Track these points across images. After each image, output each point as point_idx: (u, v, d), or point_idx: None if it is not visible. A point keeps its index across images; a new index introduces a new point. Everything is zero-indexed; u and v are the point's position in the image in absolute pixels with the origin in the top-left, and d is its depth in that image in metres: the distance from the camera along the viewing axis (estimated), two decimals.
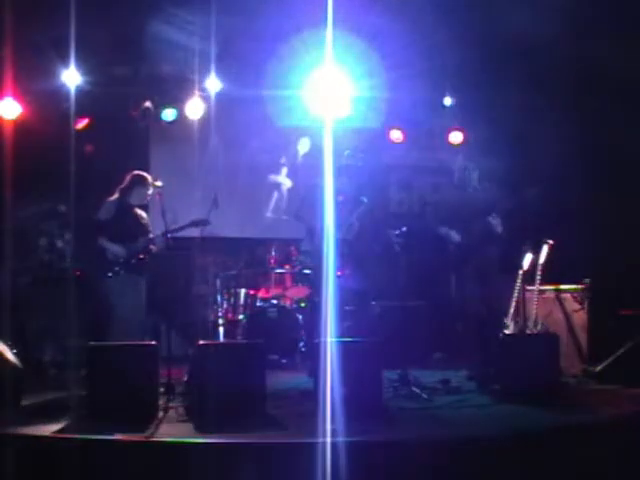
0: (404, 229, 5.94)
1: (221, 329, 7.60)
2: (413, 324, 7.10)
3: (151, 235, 6.16)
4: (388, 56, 7.23)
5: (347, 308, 7.34)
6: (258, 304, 7.56)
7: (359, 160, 6.23)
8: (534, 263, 6.11)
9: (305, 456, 3.94)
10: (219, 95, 7.48)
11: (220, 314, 7.64)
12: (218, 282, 7.71)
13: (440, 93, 7.95)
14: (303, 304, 7.62)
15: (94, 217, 6.10)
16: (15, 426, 4.23)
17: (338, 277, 6.52)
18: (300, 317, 7.43)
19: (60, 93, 7.07)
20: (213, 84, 7.39)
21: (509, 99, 7.69)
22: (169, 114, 7.85)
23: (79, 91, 7.00)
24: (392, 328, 6.77)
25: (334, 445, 4.04)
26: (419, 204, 9.08)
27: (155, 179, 6.18)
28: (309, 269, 6.89)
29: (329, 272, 6.34)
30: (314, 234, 6.34)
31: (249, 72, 7.42)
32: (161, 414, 4.68)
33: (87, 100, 7.03)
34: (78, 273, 6.79)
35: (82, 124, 7.29)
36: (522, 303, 6.06)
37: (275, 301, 7.54)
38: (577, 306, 6.45)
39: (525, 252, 6.10)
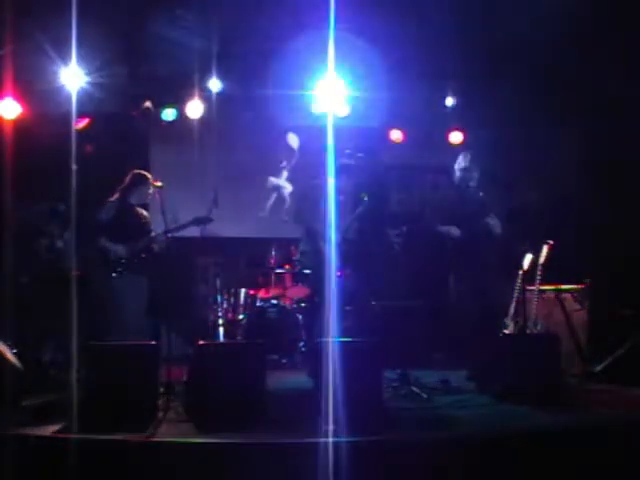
0: (404, 229, 5.94)
1: (221, 329, 7.59)
2: (413, 324, 7.11)
3: (152, 234, 6.16)
4: (388, 56, 7.23)
5: (347, 308, 7.35)
6: (258, 304, 7.56)
7: (359, 160, 6.22)
8: (534, 263, 6.11)
9: (305, 456, 3.94)
10: (219, 95, 7.48)
11: (220, 314, 7.64)
12: (218, 282, 7.70)
13: (440, 93, 7.95)
14: (303, 304, 7.62)
15: (95, 217, 6.10)
16: (15, 426, 4.23)
17: (338, 277, 6.53)
18: (300, 317, 7.44)
19: (60, 93, 7.07)
20: (213, 84, 7.39)
21: (509, 99, 7.69)
22: (169, 114, 7.85)
23: (79, 91, 7.00)
24: (392, 328, 6.78)
25: (334, 445, 4.05)
26: (419, 204, 9.09)
27: (155, 179, 6.18)
28: (309, 269, 6.88)
29: (329, 272, 6.35)
30: (313, 235, 6.34)
31: (250, 72, 7.42)
32: (161, 414, 4.67)
33: (87, 100, 7.03)
34: (78, 273, 6.79)
35: (82, 124, 7.29)
36: (522, 303, 6.06)
37: (275, 301, 7.54)
38: (577, 306, 6.44)
39: (525, 252, 6.10)
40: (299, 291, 7.64)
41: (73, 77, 6.93)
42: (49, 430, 4.23)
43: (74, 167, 6.08)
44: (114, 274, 5.97)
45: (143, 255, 6.07)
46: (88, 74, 7.00)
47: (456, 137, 8.35)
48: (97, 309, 6.05)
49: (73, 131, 6.88)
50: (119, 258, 5.99)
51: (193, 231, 6.33)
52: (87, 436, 4.08)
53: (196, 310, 7.56)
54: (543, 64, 7.16)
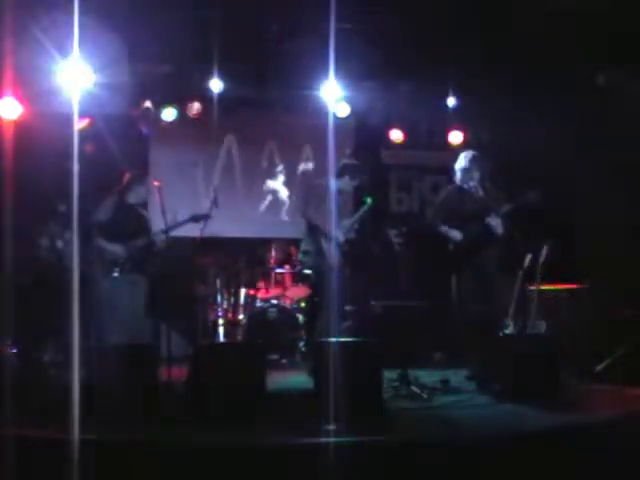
0: (404, 229, 5.94)
1: (221, 329, 7.60)
2: (413, 324, 7.11)
3: (151, 234, 6.17)
4: (388, 56, 7.24)
5: (347, 308, 7.35)
6: (258, 304, 7.56)
7: (360, 160, 6.22)
8: (534, 263, 6.11)
9: (305, 456, 3.94)
10: (219, 95, 7.47)
11: (220, 314, 7.64)
12: (218, 282, 7.71)
13: (441, 93, 7.94)
14: (303, 304, 7.62)
15: (93, 217, 6.10)
16: (15, 426, 4.22)
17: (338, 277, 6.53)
18: (300, 317, 7.44)
19: (61, 93, 7.06)
20: (213, 84, 7.39)
21: (510, 99, 7.69)
22: (169, 114, 7.85)
23: (80, 91, 7.00)
24: (392, 328, 6.78)
25: (334, 445, 4.05)
26: (419, 204, 9.10)
27: (154, 179, 6.19)
28: (309, 269, 6.89)
29: (330, 272, 6.35)
30: (315, 234, 6.34)
31: (250, 72, 7.42)
32: (161, 414, 4.67)
33: (87, 100, 7.02)
34: (75, 273, 6.78)
35: (82, 124, 7.28)
36: (522, 303, 6.06)
37: (275, 301, 7.54)
38: (577, 306, 6.45)
39: (525, 252, 6.10)
40: (299, 291, 7.65)
41: (74, 77, 6.92)
42: (49, 430, 4.23)
43: (76, 167, 6.08)
44: (114, 274, 5.97)
45: (141, 255, 6.07)
46: (89, 74, 7.00)
47: (456, 137, 8.35)
48: (95, 309, 6.04)
49: (75, 131, 6.89)
50: (116, 258, 5.99)
51: (193, 231, 6.33)
52: (87, 436, 4.07)
53: (196, 310, 7.56)
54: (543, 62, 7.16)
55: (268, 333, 7.16)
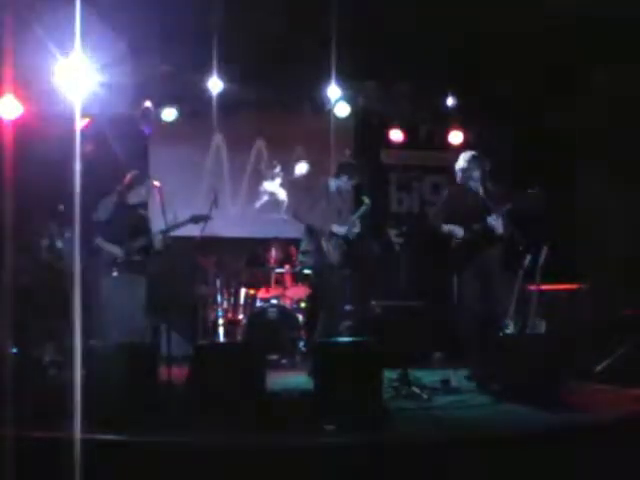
0: (404, 229, 5.94)
1: (221, 329, 7.60)
2: (413, 324, 7.11)
3: (151, 234, 6.16)
4: (388, 56, 7.24)
5: (347, 308, 7.35)
6: (258, 304, 7.56)
7: (359, 159, 6.23)
8: (534, 263, 6.11)
9: (305, 456, 3.94)
10: (219, 95, 7.47)
11: (220, 314, 7.64)
12: (218, 282, 7.71)
13: (440, 93, 7.95)
14: (303, 304, 7.62)
15: (92, 217, 6.10)
16: (15, 426, 4.22)
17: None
18: (300, 317, 7.44)
19: (61, 93, 7.07)
20: (214, 84, 7.39)
21: (510, 99, 7.70)
22: (169, 114, 7.85)
23: (80, 91, 7.00)
24: (392, 328, 6.78)
25: (334, 445, 4.05)
26: (419, 204, 9.10)
27: (154, 179, 6.19)
28: (309, 269, 6.89)
29: (329, 272, 6.35)
30: (314, 234, 6.34)
31: (250, 72, 7.42)
32: (161, 414, 4.67)
33: (87, 100, 7.03)
34: (77, 273, 6.78)
35: (82, 124, 7.28)
36: (522, 303, 6.06)
37: (275, 301, 7.54)
38: (577, 306, 6.44)
39: (525, 252, 6.09)
40: (299, 291, 7.65)
41: (74, 77, 6.93)
42: (50, 430, 4.23)
43: (77, 167, 6.08)
44: (113, 274, 5.97)
45: (141, 255, 6.07)
46: (89, 74, 7.00)
47: (456, 137, 8.35)
48: (97, 309, 6.05)
49: (77, 131, 6.89)
50: (114, 258, 5.99)
51: (193, 231, 6.34)
52: (87, 436, 4.07)
53: (196, 310, 7.56)
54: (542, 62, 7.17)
55: (268, 333, 7.16)
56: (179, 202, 6.49)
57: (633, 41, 6.59)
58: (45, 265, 6.88)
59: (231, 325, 7.57)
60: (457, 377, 5.96)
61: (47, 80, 6.92)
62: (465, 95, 7.84)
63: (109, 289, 6.00)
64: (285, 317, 7.35)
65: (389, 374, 5.40)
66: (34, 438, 4.10)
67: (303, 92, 7.83)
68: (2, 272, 6.12)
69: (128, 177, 6.27)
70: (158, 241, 6.07)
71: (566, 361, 5.53)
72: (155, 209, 6.36)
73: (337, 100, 7.87)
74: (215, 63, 7.07)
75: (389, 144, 8.55)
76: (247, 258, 7.94)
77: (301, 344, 7.32)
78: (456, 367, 6.34)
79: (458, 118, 8.18)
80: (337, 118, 8.07)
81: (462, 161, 6.32)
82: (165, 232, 5.90)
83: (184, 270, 7.39)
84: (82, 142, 6.74)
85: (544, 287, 6.27)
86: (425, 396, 5.25)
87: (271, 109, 8.10)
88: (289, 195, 8.54)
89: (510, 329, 5.96)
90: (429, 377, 5.84)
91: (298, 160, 8.57)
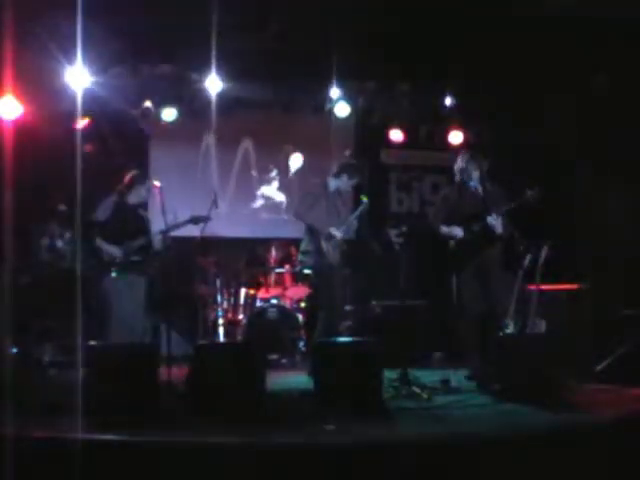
0: (404, 229, 5.94)
1: (221, 329, 7.60)
2: (413, 324, 7.11)
3: (150, 234, 6.17)
4: (388, 56, 7.24)
5: (347, 308, 7.35)
6: (258, 304, 7.56)
7: (359, 159, 6.23)
8: (534, 263, 6.11)
9: (305, 456, 3.94)
10: (219, 95, 7.47)
11: (220, 314, 7.64)
12: (218, 282, 7.71)
13: (440, 93, 7.95)
14: (303, 304, 7.62)
15: (91, 217, 6.11)
16: (15, 426, 4.22)
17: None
18: (300, 317, 7.44)
19: (61, 92, 7.07)
20: (213, 84, 7.39)
21: (510, 99, 7.70)
22: (169, 114, 7.85)
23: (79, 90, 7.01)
24: (392, 328, 6.78)
25: (334, 445, 4.05)
26: (419, 204, 9.10)
27: (154, 179, 6.19)
28: (309, 269, 6.89)
29: (329, 272, 6.35)
30: (314, 234, 6.34)
31: (250, 72, 7.42)
32: (161, 414, 4.67)
33: (87, 100, 7.03)
34: (78, 273, 6.79)
35: (82, 124, 7.29)
36: (522, 303, 6.06)
37: (275, 301, 7.54)
38: (577, 306, 6.44)
39: (525, 252, 6.09)
40: (299, 291, 7.65)
41: (76, 77, 6.93)
42: (49, 430, 4.23)
43: (79, 167, 6.09)
44: (112, 274, 5.97)
45: (140, 255, 6.07)
46: (90, 74, 7.00)
47: (456, 137, 8.35)
48: (97, 309, 6.05)
49: (78, 131, 6.90)
50: (113, 258, 5.99)
51: (193, 231, 6.34)
52: (87, 436, 4.07)
53: (196, 310, 7.56)
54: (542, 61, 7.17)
55: (268, 333, 7.16)
56: (179, 202, 6.50)
57: (633, 41, 6.59)
58: (45, 265, 6.89)
59: (231, 325, 7.57)
60: (457, 377, 5.96)
61: (47, 80, 6.92)
62: (465, 95, 7.84)
63: (109, 289, 6.01)
64: (285, 317, 7.35)
65: (389, 374, 5.40)
66: (34, 438, 4.09)
67: (303, 92, 7.83)
68: (2, 272, 6.13)
69: (128, 177, 6.27)
70: (158, 241, 6.07)
71: (566, 361, 5.53)
72: (155, 209, 6.37)
73: (337, 100, 7.87)
74: (215, 63, 7.06)
75: (389, 144, 8.54)
76: (247, 258, 7.94)
77: (301, 344, 7.32)
78: (456, 367, 6.35)
79: (458, 118, 8.18)
80: (337, 118, 8.07)
81: (461, 161, 6.32)
82: (164, 232, 5.90)
83: (184, 270, 7.39)
84: (82, 142, 6.78)
85: (544, 287, 6.27)
86: (425, 396, 5.25)
87: (271, 109, 8.10)
88: (288, 195, 8.54)
89: (510, 329, 5.95)
90: (429, 377, 5.83)
91: (290, 154, 8.58)
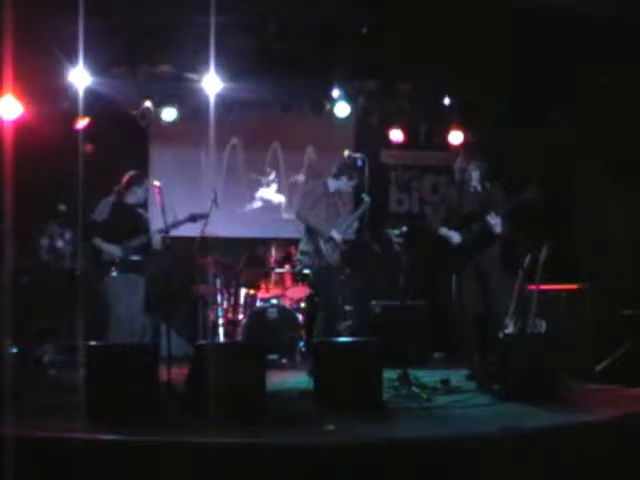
0: (404, 229, 5.94)
1: (221, 329, 7.60)
2: (413, 324, 7.11)
3: (149, 234, 6.16)
4: (388, 56, 7.24)
5: (347, 308, 7.35)
6: (258, 304, 7.56)
7: (359, 160, 6.23)
8: (534, 263, 6.11)
9: (305, 456, 3.94)
10: (219, 95, 7.47)
11: (220, 314, 7.64)
12: (218, 282, 7.70)
13: (440, 93, 7.95)
14: (303, 304, 7.62)
15: (90, 217, 6.11)
16: (15, 426, 4.22)
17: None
18: (300, 317, 7.44)
19: (61, 92, 7.07)
20: (213, 84, 7.38)
21: (509, 98, 7.70)
22: (169, 114, 7.85)
23: (80, 91, 7.01)
24: (392, 328, 6.78)
25: (334, 445, 4.05)
26: (419, 204, 9.10)
27: (153, 178, 6.19)
28: (309, 269, 6.89)
29: (328, 272, 6.35)
30: (313, 234, 6.34)
31: (249, 72, 7.42)
32: (161, 414, 4.67)
33: (87, 100, 7.03)
34: (78, 273, 6.80)
35: (82, 124, 7.29)
36: (522, 303, 6.06)
37: (275, 301, 7.54)
38: (577, 306, 6.44)
39: (525, 252, 6.09)
40: (299, 291, 7.64)
41: (76, 77, 6.94)
42: (49, 430, 4.23)
43: (80, 168, 6.10)
44: (112, 274, 5.97)
45: (139, 255, 6.07)
46: (90, 74, 7.01)
47: (456, 137, 8.35)
48: (97, 309, 6.05)
49: (79, 132, 6.91)
50: (112, 258, 5.99)
51: (193, 231, 6.33)
52: (87, 436, 4.08)
53: (196, 310, 7.56)
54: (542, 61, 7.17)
55: (268, 333, 7.16)
56: (179, 202, 6.50)
57: (633, 41, 6.59)
58: (45, 265, 6.89)
59: (231, 325, 7.57)
60: (457, 377, 5.96)
61: (47, 80, 6.92)
62: (465, 95, 7.84)
63: (109, 289, 6.01)
64: (285, 317, 7.35)
65: (389, 374, 5.40)
66: (34, 438, 4.09)
67: (303, 92, 7.83)
68: (2, 272, 6.13)
69: (125, 178, 6.27)
70: (157, 241, 6.07)
71: (566, 361, 5.53)
72: (155, 209, 6.36)
73: (337, 100, 7.87)
74: (214, 63, 7.06)
75: (389, 144, 8.55)
76: (247, 258, 7.94)
77: (301, 344, 7.32)
78: (456, 367, 6.35)
79: (458, 118, 8.18)
80: (337, 118, 8.07)
81: (461, 161, 6.32)
82: (164, 231, 5.90)
83: (184, 270, 7.39)
84: (82, 142, 6.78)
85: (544, 287, 6.27)
86: (425, 396, 5.25)
87: (271, 109, 8.10)
88: (287, 196, 8.54)
89: (510, 329, 5.96)
90: (429, 377, 5.83)
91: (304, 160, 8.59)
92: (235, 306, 7.71)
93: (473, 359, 6.07)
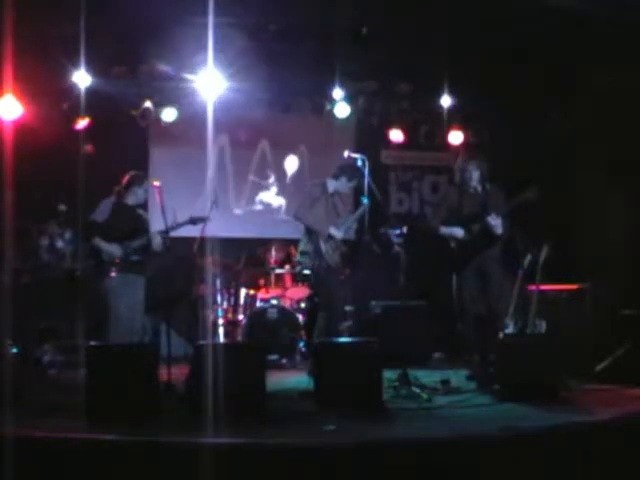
0: (404, 229, 5.94)
1: (221, 329, 7.60)
2: (413, 324, 7.11)
3: (149, 234, 6.17)
4: (388, 56, 7.24)
5: (347, 308, 7.35)
6: (258, 304, 7.56)
7: (359, 160, 6.23)
8: (534, 263, 6.11)
9: (305, 456, 3.94)
10: (218, 95, 7.47)
11: (220, 314, 7.64)
12: (218, 282, 7.70)
13: (440, 93, 7.95)
14: (303, 304, 7.62)
15: (90, 217, 6.11)
16: (15, 426, 4.22)
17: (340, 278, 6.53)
18: (300, 317, 7.44)
19: (61, 93, 7.07)
20: (212, 83, 7.38)
21: (509, 98, 7.70)
22: (169, 114, 7.85)
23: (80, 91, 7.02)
24: (392, 328, 6.78)
25: (334, 445, 4.05)
26: (419, 204, 9.10)
27: (153, 178, 6.19)
28: (309, 269, 6.89)
29: (328, 272, 6.35)
30: (313, 234, 6.33)
31: (249, 72, 7.42)
32: (161, 414, 4.67)
33: (87, 100, 7.03)
34: (78, 273, 6.80)
35: (82, 124, 7.30)
36: (522, 303, 6.06)
37: (275, 301, 7.54)
38: (577, 306, 6.44)
39: (525, 252, 6.09)
40: (299, 291, 7.64)
41: (76, 77, 6.93)
42: (49, 430, 4.22)
43: (80, 168, 6.10)
44: (112, 274, 5.97)
45: (139, 255, 6.07)
46: (91, 74, 7.00)
47: (456, 137, 8.35)
48: (97, 309, 6.05)
49: (79, 132, 6.91)
50: (112, 258, 5.99)
51: (193, 231, 6.33)
52: (87, 436, 4.07)
53: (196, 310, 7.56)
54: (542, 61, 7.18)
55: (268, 333, 7.16)
56: (179, 202, 6.50)
57: (633, 41, 6.59)
58: (45, 265, 6.89)
59: (231, 325, 7.57)
60: (457, 377, 5.96)
61: (48, 80, 6.93)
62: (465, 95, 7.84)
63: (109, 289, 6.00)
64: (285, 317, 7.35)
65: (389, 374, 5.40)
66: (34, 438, 4.09)
67: (303, 92, 7.83)
68: (2, 272, 6.13)
69: (126, 177, 6.27)
70: (157, 241, 6.07)
71: (566, 361, 5.53)
72: (155, 209, 6.36)
73: (337, 100, 7.87)
74: (214, 63, 7.06)
75: (389, 144, 8.55)
76: (247, 258, 7.94)
77: (301, 344, 7.32)
78: (456, 367, 6.34)
79: (458, 118, 8.18)
80: (337, 118, 8.07)
81: (461, 161, 6.32)
82: (164, 233, 5.90)
83: (184, 270, 7.39)
84: (82, 142, 6.78)
85: (544, 287, 6.27)
86: (425, 396, 5.25)
87: (272, 109, 8.10)
88: (287, 198, 8.54)
89: (510, 329, 5.95)
90: (429, 377, 5.83)
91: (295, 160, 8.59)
92: (235, 306, 7.72)
93: (473, 359, 6.08)
